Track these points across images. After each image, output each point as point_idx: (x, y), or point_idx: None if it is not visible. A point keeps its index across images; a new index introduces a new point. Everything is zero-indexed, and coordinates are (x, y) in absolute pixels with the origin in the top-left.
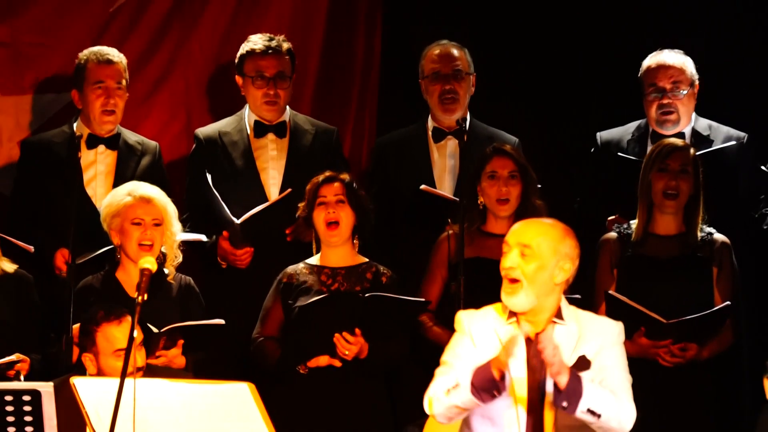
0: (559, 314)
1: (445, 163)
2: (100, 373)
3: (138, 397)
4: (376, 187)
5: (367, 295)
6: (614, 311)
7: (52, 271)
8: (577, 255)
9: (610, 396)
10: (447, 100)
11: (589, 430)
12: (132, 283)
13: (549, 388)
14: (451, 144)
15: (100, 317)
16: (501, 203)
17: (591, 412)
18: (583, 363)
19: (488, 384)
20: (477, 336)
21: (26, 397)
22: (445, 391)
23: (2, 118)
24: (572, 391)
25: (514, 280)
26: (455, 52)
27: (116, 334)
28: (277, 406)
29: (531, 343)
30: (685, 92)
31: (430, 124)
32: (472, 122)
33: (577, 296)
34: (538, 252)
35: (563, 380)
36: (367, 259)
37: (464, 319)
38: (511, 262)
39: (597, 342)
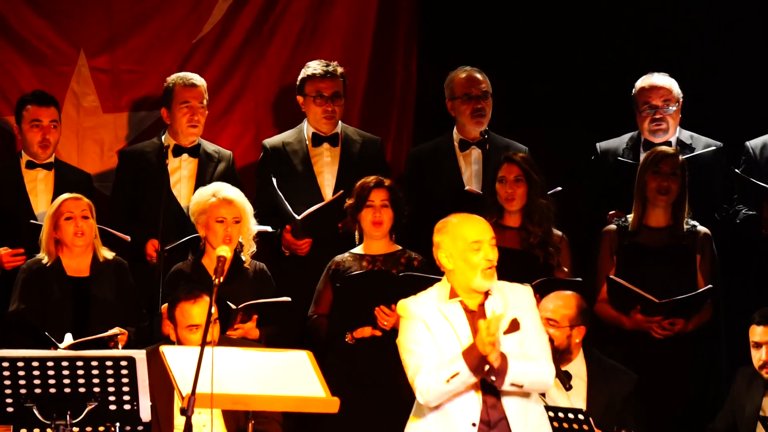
0: (490, 293)
1: (471, 169)
2: (178, 343)
3: (216, 363)
4: (412, 191)
5: (401, 274)
6: (614, 292)
7: (144, 257)
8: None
9: (531, 365)
10: (477, 116)
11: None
12: (213, 268)
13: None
14: (475, 152)
15: (179, 296)
16: (509, 202)
17: (514, 384)
18: (514, 325)
19: (481, 363)
20: (428, 318)
21: (123, 363)
22: (445, 381)
23: (104, 131)
24: (500, 370)
25: (493, 267)
26: (479, 76)
27: (191, 311)
28: (330, 371)
29: (473, 314)
30: (673, 108)
31: (456, 136)
32: (490, 134)
33: (578, 279)
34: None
35: (497, 362)
36: (401, 247)
37: (411, 305)
38: (494, 255)
39: (518, 307)
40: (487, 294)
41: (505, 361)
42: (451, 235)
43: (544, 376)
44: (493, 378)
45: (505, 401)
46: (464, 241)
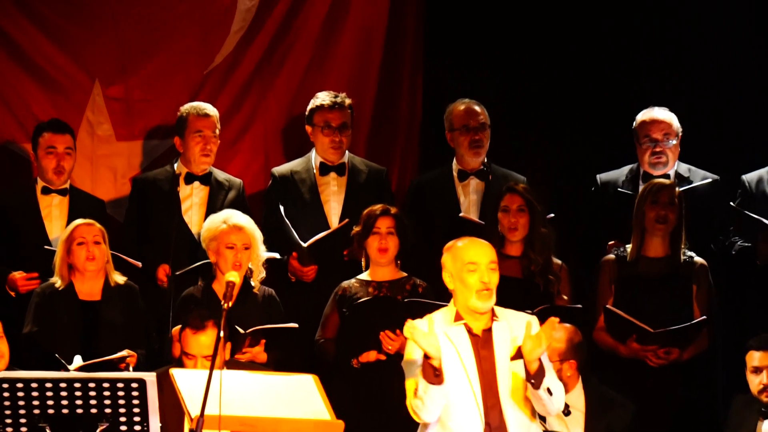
0: (494, 314)
1: (469, 199)
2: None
3: (224, 386)
4: (413, 220)
5: (406, 300)
6: (611, 321)
7: (155, 282)
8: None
9: (558, 381)
10: (475, 147)
11: (529, 406)
12: (223, 293)
13: (501, 369)
14: (473, 182)
15: (186, 323)
16: (512, 231)
17: (548, 390)
18: (520, 353)
19: (431, 373)
20: (424, 337)
21: (134, 385)
22: (420, 397)
23: (117, 159)
24: (538, 373)
25: (490, 290)
26: (478, 108)
27: (197, 340)
28: (336, 395)
29: (477, 339)
30: (673, 142)
31: (455, 166)
32: (490, 164)
33: (579, 306)
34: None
35: (535, 366)
36: (406, 274)
37: (418, 325)
38: (489, 277)
39: (522, 334)
40: (492, 320)
41: (543, 368)
42: (453, 256)
43: (563, 394)
44: (533, 381)
45: (509, 418)
46: (462, 261)
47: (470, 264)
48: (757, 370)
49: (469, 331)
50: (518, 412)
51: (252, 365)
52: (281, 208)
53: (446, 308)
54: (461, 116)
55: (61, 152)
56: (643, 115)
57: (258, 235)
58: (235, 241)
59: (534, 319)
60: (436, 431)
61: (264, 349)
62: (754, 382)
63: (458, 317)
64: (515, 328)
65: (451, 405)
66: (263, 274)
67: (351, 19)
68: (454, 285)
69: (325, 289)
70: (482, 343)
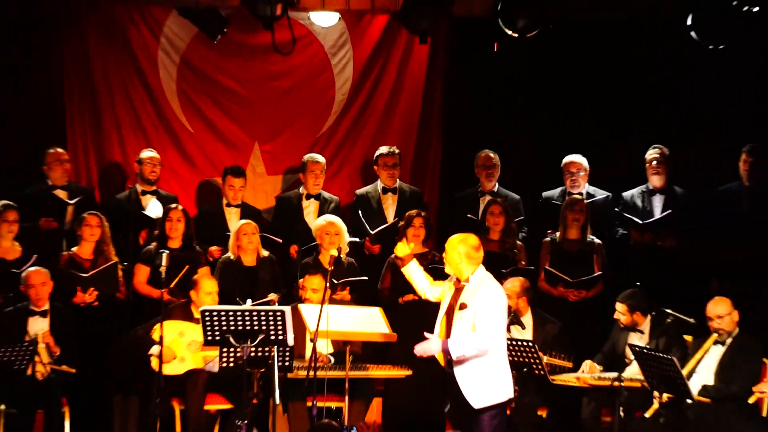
0: (467, 279)
1: (482, 206)
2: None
3: (326, 313)
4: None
5: (429, 266)
6: (548, 276)
7: (288, 255)
8: (466, 252)
9: (467, 340)
10: (490, 177)
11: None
12: (326, 261)
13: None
14: (487, 198)
15: (306, 273)
16: (495, 225)
17: (457, 358)
18: (463, 305)
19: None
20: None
21: (278, 313)
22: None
23: (268, 186)
24: (446, 352)
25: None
26: (492, 155)
27: (312, 281)
28: (391, 320)
29: (457, 290)
30: (583, 173)
31: (479, 188)
32: (499, 188)
33: (531, 267)
34: (449, 255)
35: (438, 350)
36: (428, 249)
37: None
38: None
39: (477, 296)
40: (461, 284)
41: (447, 348)
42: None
43: (478, 344)
44: (448, 357)
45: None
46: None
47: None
48: (619, 313)
49: (456, 286)
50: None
51: (342, 302)
52: (359, 212)
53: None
54: (482, 159)
55: (237, 187)
56: (567, 159)
57: (344, 227)
58: (331, 231)
59: (490, 290)
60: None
61: (348, 292)
62: (621, 318)
63: (455, 281)
64: (475, 291)
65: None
66: (348, 250)
67: (403, 95)
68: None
69: (382, 259)
70: (454, 296)
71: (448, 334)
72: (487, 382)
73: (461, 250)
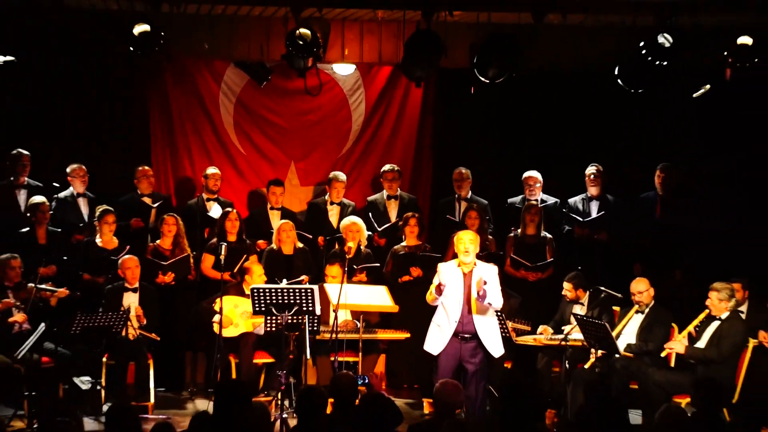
0: (475, 264)
1: (461, 211)
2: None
3: (345, 291)
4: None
5: (421, 254)
6: (512, 261)
7: (317, 246)
8: (476, 246)
9: (494, 295)
10: (460, 188)
11: (491, 314)
12: (347, 251)
13: (473, 294)
14: (462, 204)
15: (328, 262)
16: (472, 226)
17: (489, 303)
18: (484, 282)
19: (439, 287)
20: (446, 272)
21: (308, 290)
22: (432, 294)
23: (302, 195)
24: (481, 296)
25: (466, 253)
26: (464, 170)
27: (331, 269)
28: (394, 297)
29: (465, 275)
30: (538, 185)
31: (457, 196)
32: (472, 196)
33: (501, 252)
34: (474, 246)
35: (481, 291)
36: (421, 242)
37: (441, 266)
38: (464, 247)
39: (486, 273)
40: (474, 266)
41: (485, 293)
42: (456, 238)
43: (495, 301)
44: (479, 299)
45: (476, 313)
46: (458, 240)
47: (458, 241)
48: (566, 290)
49: (462, 272)
50: (481, 312)
51: (359, 282)
52: (370, 214)
53: (456, 260)
54: (457, 174)
55: (278, 195)
56: (526, 174)
57: (363, 225)
58: (353, 229)
59: (490, 268)
60: (439, 314)
61: (365, 276)
62: (567, 294)
63: (459, 264)
64: (483, 271)
65: (446, 303)
66: (366, 242)
67: (403, 126)
68: (457, 249)
69: (388, 249)
70: (468, 277)
71: (472, 307)
72: (498, 338)
73: (477, 242)
